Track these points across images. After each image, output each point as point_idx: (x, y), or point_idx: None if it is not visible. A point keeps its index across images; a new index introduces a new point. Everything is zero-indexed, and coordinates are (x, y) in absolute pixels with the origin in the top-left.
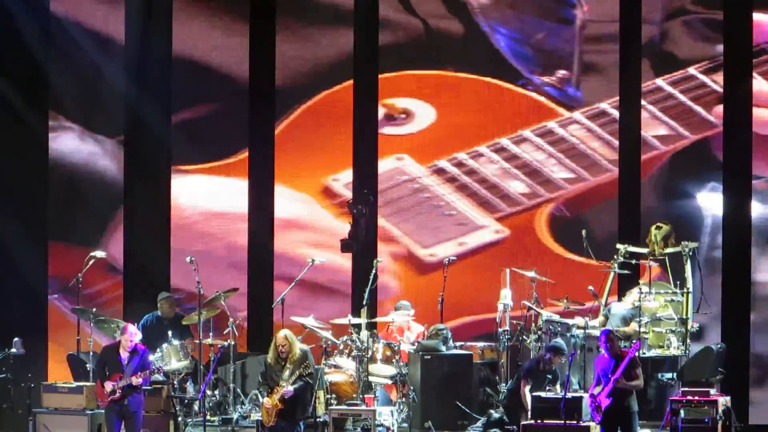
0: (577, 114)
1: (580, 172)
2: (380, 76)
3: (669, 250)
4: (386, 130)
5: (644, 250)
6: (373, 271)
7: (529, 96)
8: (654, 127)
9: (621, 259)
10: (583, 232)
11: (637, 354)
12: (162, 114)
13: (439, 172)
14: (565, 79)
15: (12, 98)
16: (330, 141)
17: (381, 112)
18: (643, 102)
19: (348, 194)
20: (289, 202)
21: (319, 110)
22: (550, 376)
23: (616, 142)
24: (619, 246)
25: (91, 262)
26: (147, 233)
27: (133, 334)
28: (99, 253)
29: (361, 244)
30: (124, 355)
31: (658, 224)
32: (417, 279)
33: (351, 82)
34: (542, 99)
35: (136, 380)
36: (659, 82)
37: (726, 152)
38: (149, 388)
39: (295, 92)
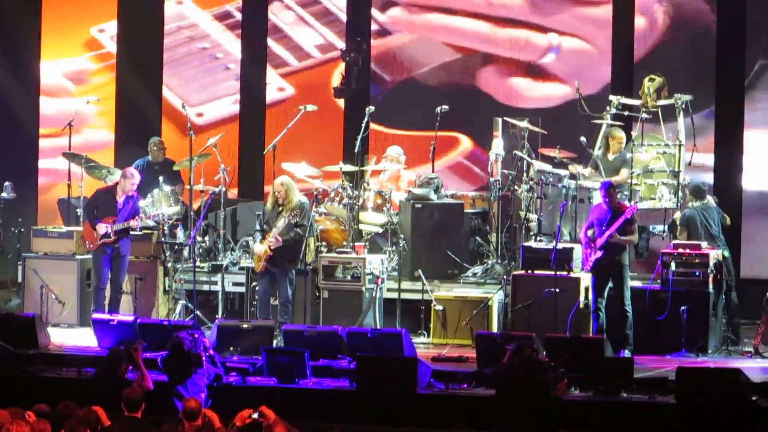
0: None
1: None
2: None
3: (662, 102)
4: None
5: (637, 102)
6: (366, 119)
7: None
8: None
9: (614, 110)
10: (576, 82)
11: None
12: None
13: (224, 17)
14: None
15: None
16: None
17: None
18: None
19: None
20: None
21: None
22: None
23: None
24: (612, 97)
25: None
26: (138, 77)
27: (138, 179)
28: (92, 98)
29: (353, 91)
30: (120, 199)
31: (651, 76)
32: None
33: None
34: None
35: (135, 224)
36: None
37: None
38: (139, 233)
39: None
